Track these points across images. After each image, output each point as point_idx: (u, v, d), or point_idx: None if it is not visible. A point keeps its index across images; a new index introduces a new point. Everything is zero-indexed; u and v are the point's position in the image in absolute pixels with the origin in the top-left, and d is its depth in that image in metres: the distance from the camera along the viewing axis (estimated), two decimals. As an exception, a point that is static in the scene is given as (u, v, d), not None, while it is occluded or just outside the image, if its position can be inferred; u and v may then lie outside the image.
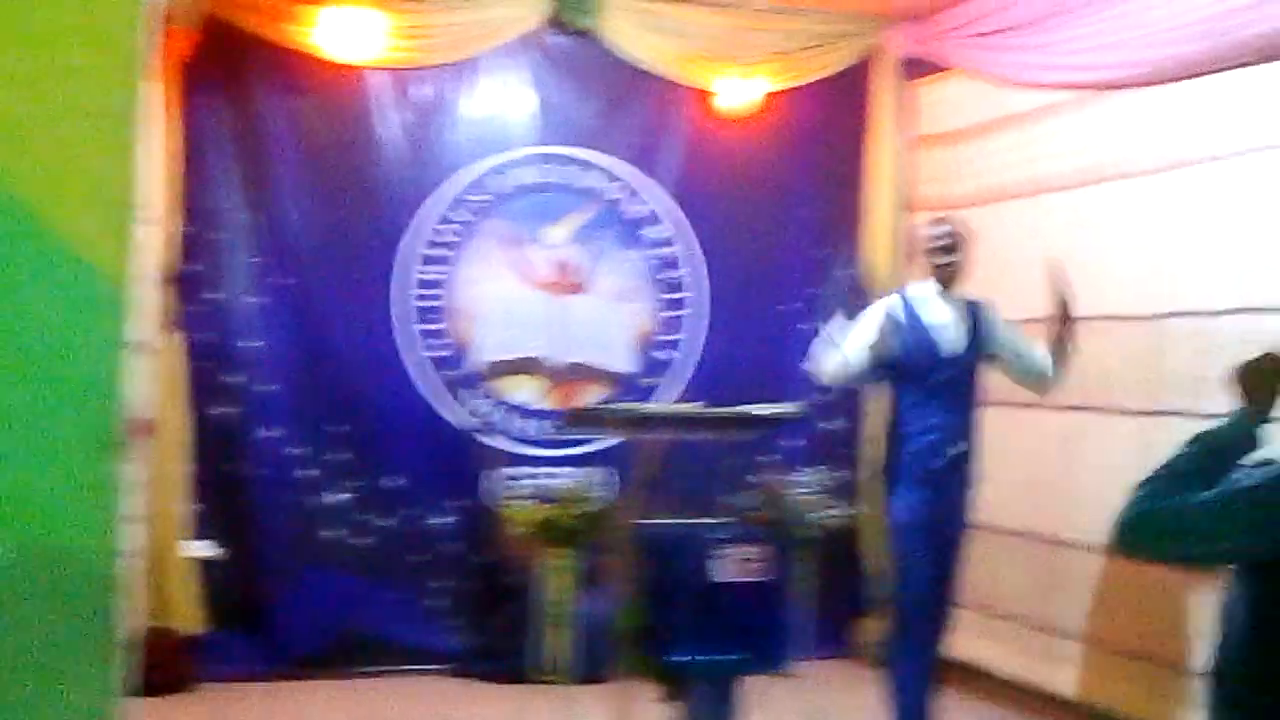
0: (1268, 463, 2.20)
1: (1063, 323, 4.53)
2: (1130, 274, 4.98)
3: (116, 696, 3.54)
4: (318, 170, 5.92)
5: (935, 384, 4.55)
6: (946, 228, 4.69)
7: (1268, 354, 2.36)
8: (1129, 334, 4.92)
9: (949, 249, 4.65)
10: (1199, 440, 2.29)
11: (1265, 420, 2.32)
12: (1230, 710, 2.17)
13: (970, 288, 4.74)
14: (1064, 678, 5.22)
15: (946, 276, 4.64)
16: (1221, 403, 4.48)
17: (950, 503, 4.55)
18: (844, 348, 4.62)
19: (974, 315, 4.67)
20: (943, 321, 4.61)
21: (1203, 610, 4.61)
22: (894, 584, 4.64)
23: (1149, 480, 2.24)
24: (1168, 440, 4.80)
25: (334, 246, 5.94)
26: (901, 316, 4.63)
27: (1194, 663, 4.60)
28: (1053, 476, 5.24)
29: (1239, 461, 2.23)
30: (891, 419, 4.71)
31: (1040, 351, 4.65)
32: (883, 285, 6.30)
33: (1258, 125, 4.50)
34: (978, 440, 4.62)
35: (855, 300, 4.89)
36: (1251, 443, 2.29)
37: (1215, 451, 2.25)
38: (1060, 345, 4.57)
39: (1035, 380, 4.68)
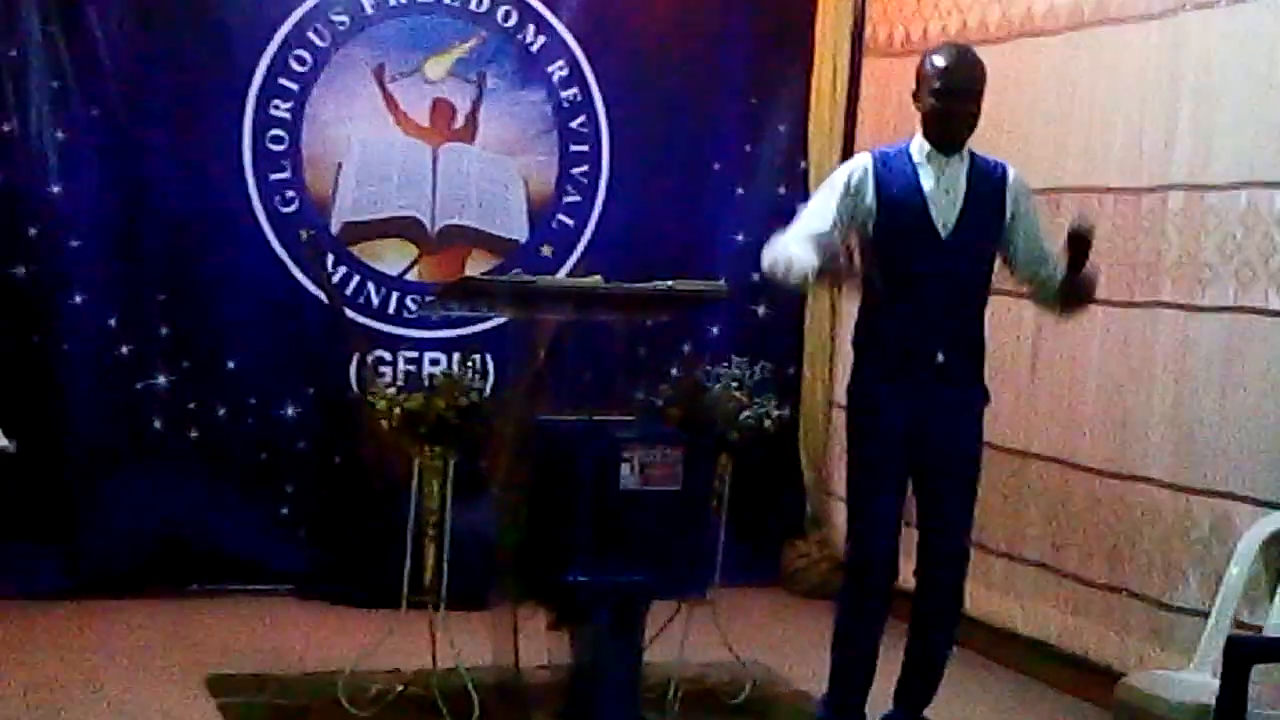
0: None
1: (1077, 274, 4.18)
2: (1125, 139, 5.06)
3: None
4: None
5: (923, 272, 4.17)
6: (956, 57, 4.21)
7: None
8: (1117, 211, 5.01)
9: (955, 90, 4.15)
10: None
11: None
12: None
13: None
14: (1025, 612, 5.41)
15: (951, 127, 4.19)
16: (1216, 293, 4.65)
17: (939, 429, 4.23)
18: (785, 239, 4.19)
19: (991, 183, 4.26)
20: (939, 187, 4.22)
21: (1187, 537, 4.79)
22: (849, 529, 4.45)
23: None
24: (1149, 337, 4.95)
25: (162, 72, 5.83)
26: (871, 183, 4.22)
27: (1177, 597, 4.77)
28: (1020, 381, 5.36)
29: None
30: (861, 314, 4.35)
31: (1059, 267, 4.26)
32: (827, 145, 6.36)
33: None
34: (980, 347, 4.30)
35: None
36: None
37: None
38: (1074, 292, 4.25)
39: (1047, 301, 4.36)
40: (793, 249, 4.20)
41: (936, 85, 4.19)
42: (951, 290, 4.23)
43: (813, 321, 6.52)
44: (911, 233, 4.20)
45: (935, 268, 4.19)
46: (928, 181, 4.23)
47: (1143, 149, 4.99)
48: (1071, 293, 4.26)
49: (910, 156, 4.27)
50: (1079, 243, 4.16)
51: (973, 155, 4.28)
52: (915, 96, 4.28)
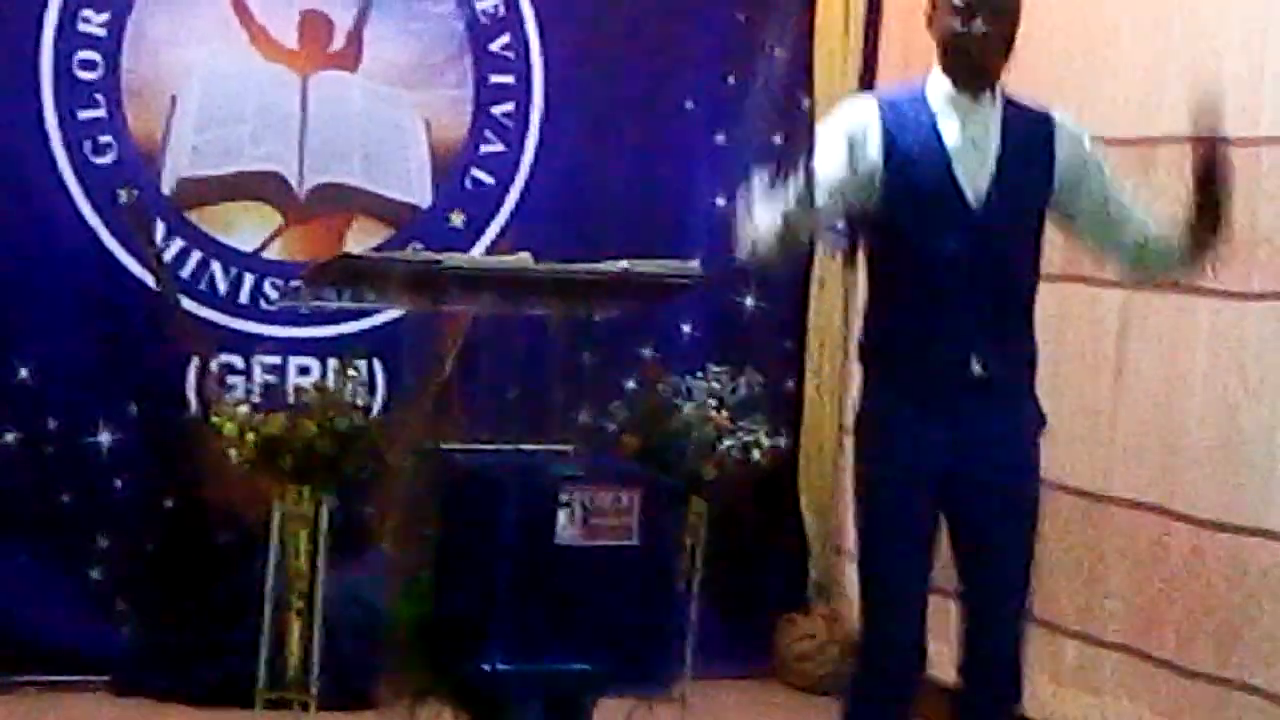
0: None
1: (1208, 171, 4.08)
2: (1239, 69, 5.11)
3: None
4: None
5: (948, 256, 4.22)
6: None
7: None
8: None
9: (980, 7, 4.19)
10: None
11: None
12: None
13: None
14: (1107, 712, 5.46)
15: (976, 56, 4.23)
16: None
17: (980, 464, 4.28)
18: (779, 197, 4.00)
19: (1033, 132, 4.33)
20: (965, 140, 4.26)
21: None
22: (861, 586, 4.44)
23: None
24: (1275, 339, 5.01)
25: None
26: (878, 137, 4.25)
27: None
28: (1099, 398, 5.41)
29: None
30: (869, 312, 4.43)
31: (1155, 216, 4.31)
32: (839, 75, 6.39)
33: None
34: (1030, 351, 4.37)
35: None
36: None
37: None
38: (1206, 206, 4.12)
39: (1152, 260, 4.35)
40: (790, 205, 4.03)
41: (950, 5, 4.21)
42: (987, 277, 4.25)
43: (819, 316, 6.56)
44: (931, 202, 4.24)
45: (964, 247, 4.22)
46: (950, 133, 4.26)
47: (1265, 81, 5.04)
48: (1204, 233, 4.18)
49: (926, 100, 4.30)
50: (1209, 171, 4.08)
51: (1007, 99, 4.32)
52: (929, 19, 4.31)
